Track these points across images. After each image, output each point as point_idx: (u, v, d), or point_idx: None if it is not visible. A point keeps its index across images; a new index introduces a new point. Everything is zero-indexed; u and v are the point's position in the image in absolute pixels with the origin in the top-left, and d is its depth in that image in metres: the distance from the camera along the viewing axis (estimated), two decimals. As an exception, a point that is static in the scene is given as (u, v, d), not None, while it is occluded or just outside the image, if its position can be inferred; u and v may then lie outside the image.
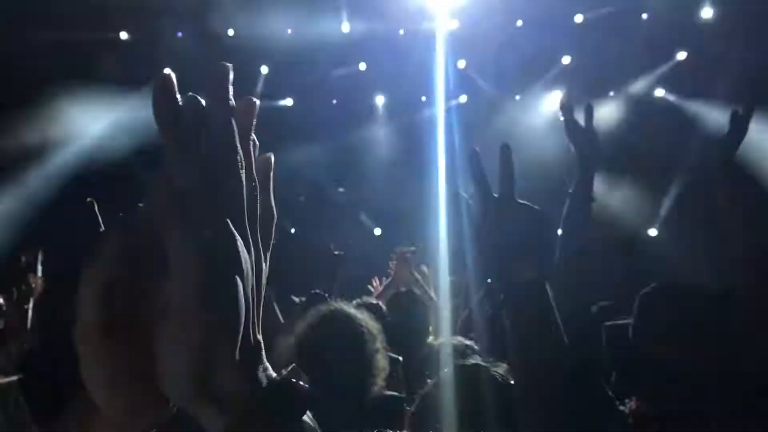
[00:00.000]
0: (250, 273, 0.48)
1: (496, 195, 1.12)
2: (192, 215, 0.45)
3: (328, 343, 2.17)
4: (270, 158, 0.57)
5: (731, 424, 1.42)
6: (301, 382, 0.51)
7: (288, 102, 12.39)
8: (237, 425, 0.46)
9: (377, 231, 11.47)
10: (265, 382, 0.49)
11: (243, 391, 0.47)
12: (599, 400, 1.64)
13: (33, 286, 4.60)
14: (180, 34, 11.51)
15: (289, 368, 0.55)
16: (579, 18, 10.89)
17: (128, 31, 10.97)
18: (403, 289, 3.78)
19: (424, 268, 4.43)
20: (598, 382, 1.69)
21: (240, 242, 0.47)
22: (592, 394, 1.64)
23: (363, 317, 2.33)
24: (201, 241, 0.45)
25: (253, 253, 0.49)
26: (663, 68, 10.73)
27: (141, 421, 0.49)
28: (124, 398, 0.47)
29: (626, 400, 1.69)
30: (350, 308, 2.40)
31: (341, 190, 11.29)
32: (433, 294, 3.90)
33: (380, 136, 12.16)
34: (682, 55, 10.66)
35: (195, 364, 0.45)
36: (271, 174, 0.57)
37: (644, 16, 10.56)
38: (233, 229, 0.47)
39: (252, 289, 0.49)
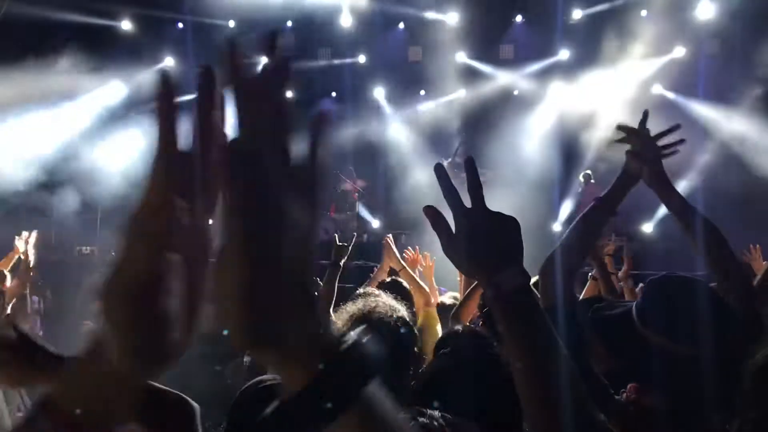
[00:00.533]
0: (299, 232, 0.54)
1: (467, 206, 1.13)
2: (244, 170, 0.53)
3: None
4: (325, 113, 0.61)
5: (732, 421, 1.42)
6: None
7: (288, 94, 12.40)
8: (304, 376, 0.53)
9: (375, 223, 11.51)
10: (331, 339, 0.55)
11: (302, 339, 0.54)
12: (594, 390, 1.65)
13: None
14: (181, 25, 11.54)
15: (358, 330, 0.58)
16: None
17: (131, 21, 11.01)
18: (387, 279, 3.82)
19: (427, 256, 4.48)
20: (593, 371, 1.70)
21: (288, 201, 0.54)
22: (588, 384, 1.66)
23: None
24: (249, 193, 0.52)
25: (308, 214, 0.55)
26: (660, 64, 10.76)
27: (148, 372, 0.55)
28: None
29: (621, 390, 1.67)
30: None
31: (338, 190, 11.33)
32: (420, 281, 3.94)
33: (381, 128, 12.19)
34: (680, 52, 10.69)
35: (243, 305, 0.52)
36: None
37: (643, 12, 10.61)
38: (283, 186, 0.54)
39: (303, 246, 0.55)
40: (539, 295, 1.96)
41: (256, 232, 0.53)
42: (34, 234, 4.71)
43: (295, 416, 0.52)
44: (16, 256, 4.67)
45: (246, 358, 6.56)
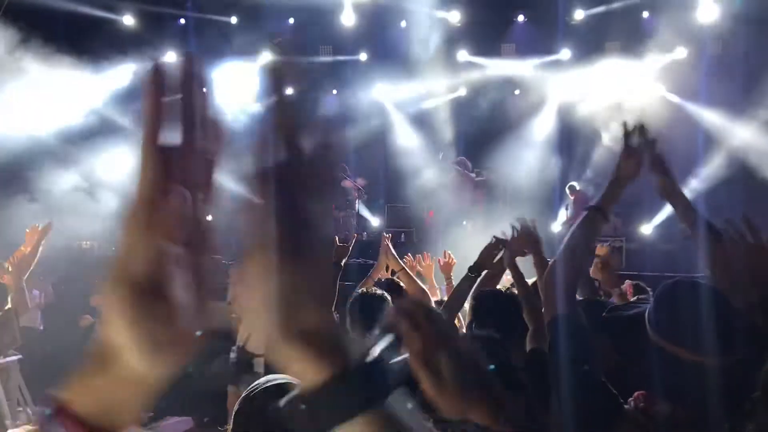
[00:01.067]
0: (322, 233, 0.57)
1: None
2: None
3: None
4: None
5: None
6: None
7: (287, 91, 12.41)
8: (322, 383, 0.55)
9: (375, 222, 11.53)
10: (359, 345, 0.57)
11: (331, 337, 0.56)
12: (604, 400, 1.65)
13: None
14: (182, 21, 11.54)
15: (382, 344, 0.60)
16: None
17: (133, 16, 11.02)
18: (383, 278, 3.86)
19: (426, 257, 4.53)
20: (601, 381, 1.70)
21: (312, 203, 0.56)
22: (597, 394, 1.66)
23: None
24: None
25: (326, 216, 0.58)
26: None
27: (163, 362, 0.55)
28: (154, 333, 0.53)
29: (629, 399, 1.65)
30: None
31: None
32: (419, 282, 3.97)
33: (381, 126, 12.20)
34: (681, 53, 10.68)
35: (278, 303, 0.54)
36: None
37: (645, 14, 10.63)
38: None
39: (326, 247, 0.58)
40: (542, 304, 1.96)
41: (290, 235, 0.55)
42: (47, 227, 4.61)
43: (313, 409, 0.54)
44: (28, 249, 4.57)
45: (232, 355, 6.58)
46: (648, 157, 2.09)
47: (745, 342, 1.52)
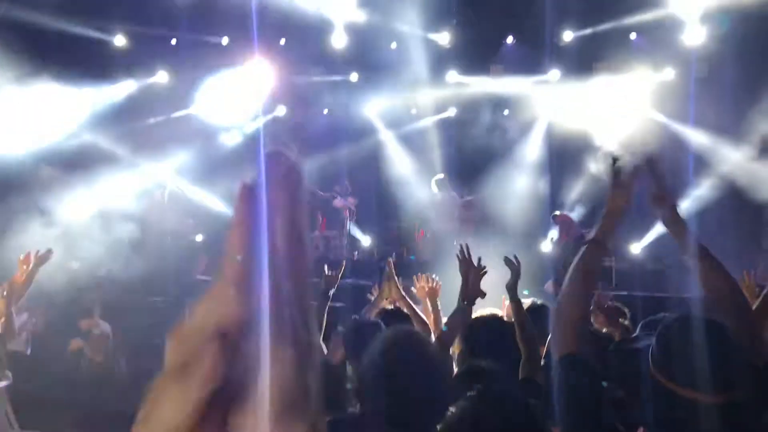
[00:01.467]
0: None
1: None
2: None
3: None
4: None
5: None
6: None
7: (280, 111, 12.43)
8: None
9: (366, 241, 11.52)
10: None
11: None
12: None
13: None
14: (174, 41, 11.56)
15: None
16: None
17: (125, 37, 11.04)
18: (389, 306, 3.79)
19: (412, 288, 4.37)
20: (607, 423, 1.72)
21: None
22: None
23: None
24: None
25: None
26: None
27: None
28: None
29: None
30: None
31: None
32: (420, 313, 3.88)
33: (372, 146, 12.24)
34: (669, 74, 10.81)
35: None
36: None
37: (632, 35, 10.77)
38: None
39: None
40: (553, 339, 1.95)
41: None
42: (45, 255, 4.50)
43: None
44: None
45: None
46: (652, 187, 2.09)
47: (745, 381, 1.51)
